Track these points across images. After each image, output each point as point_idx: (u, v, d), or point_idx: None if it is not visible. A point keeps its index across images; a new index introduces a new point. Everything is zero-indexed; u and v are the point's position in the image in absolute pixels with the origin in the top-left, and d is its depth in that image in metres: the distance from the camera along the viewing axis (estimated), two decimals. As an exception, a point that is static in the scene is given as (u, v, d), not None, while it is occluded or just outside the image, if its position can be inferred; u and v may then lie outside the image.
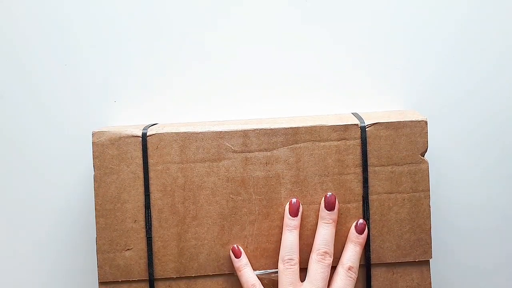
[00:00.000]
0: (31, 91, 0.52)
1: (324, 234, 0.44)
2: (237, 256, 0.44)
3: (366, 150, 0.45)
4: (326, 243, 0.43)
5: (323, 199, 0.45)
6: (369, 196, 0.45)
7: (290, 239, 0.43)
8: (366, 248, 0.45)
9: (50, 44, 0.52)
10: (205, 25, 0.53)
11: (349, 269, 0.43)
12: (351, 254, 0.44)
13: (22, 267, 0.53)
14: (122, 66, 0.53)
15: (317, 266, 0.43)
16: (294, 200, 0.45)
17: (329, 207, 0.44)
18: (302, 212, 0.45)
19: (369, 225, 0.45)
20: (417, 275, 0.45)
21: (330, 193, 0.45)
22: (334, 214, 0.44)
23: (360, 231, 0.44)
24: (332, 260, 0.43)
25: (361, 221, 0.44)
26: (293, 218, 0.44)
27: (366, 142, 0.45)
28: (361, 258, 0.45)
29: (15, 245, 0.53)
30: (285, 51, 0.53)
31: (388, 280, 0.45)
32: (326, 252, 0.43)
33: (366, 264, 0.45)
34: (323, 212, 0.44)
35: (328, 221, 0.44)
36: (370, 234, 0.45)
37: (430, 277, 0.45)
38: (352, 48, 0.53)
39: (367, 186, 0.45)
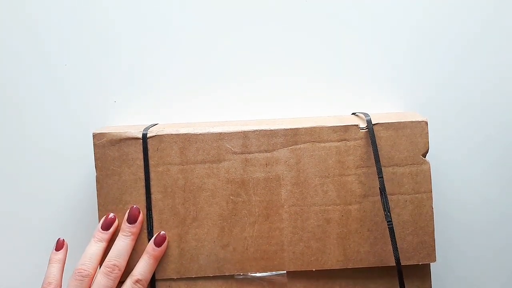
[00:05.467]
0: (31, 91, 0.55)
1: (119, 246, 0.46)
2: (58, 249, 0.47)
3: (375, 140, 0.47)
4: (118, 255, 0.45)
5: (127, 211, 0.47)
6: (371, 197, 0.48)
7: (90, 251, 0.45)
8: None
9: (50, 44, 0.55)
10: (205, 26, 0.55)
11: (136, 281, 0.45)
12: (142, 266, 0.46)
13: (23, 267, 0.56)
14: (122, 66, 0.55)
15: (102, 278, 0.44)
16: (111, 214, 0.47)
17: (131, 219, 0.47)
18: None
19: (389, 224, 0.46)
20: (417, 277, 0.48)
21: (136, 206, 0.47)
22: (134, 228, 0.47)
23: (158, 244, 0.46)
24: (121, 274, 0.45)
25: (162, 233, 0.47)
26: (103, 231, 0.47)
27: (373, 134, 0.47)
28: (364, 260, 0.47)
29: (17, 246, 0.56)
30: (285, 52, 0.55)
31: (389, 278, 0.48)
32: (115, 265, 0.45)
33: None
34: (124, 224, 0.47)
35: (127, 233, 0.46)
36: (373, 237, 0.48)
37: (430, 279, 0.48)
38: (353, 49, 0.55)
39: (382, 177, 0.46)
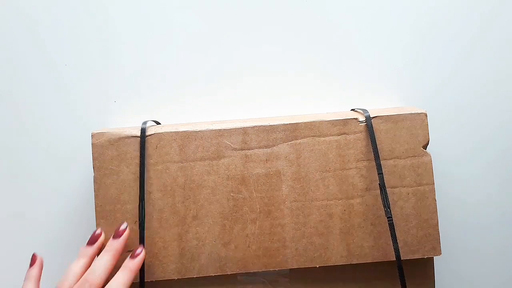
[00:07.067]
0: (31, 91, 0.56)
1: (96, 261, 0.45)
2: (32, 265, 0.46)
3: (374, 137, 0.47)
4: (94, 270, 0.44)
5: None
6: (373, 190, 0.48)
7: (70, 269, 0.45)
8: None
9: (50, 44, 0.56)
10: (205, 26, 0.56)
11: (86, 280, 0.44)
12: (114, 279, 0.44)
13: (22, 269, 0.54)
14: (122, 66, 0.56)
15: None
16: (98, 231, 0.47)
17: (115, 235, 0.47)
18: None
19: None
20: (420, 271, 0.48)
21: (124, 222, 0.47)
22: (116, 243, 0.46)
23: (133, 256, 0.46)
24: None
25: (139, 249, 0.46)
26: (87, 246, 0.46)
27: (372, 130, 0.47)
28: (368, 255, 0.47)
29: (15, 247, 0.56)
30: (284, 50, 0.56)
31: (391, 276, 0.48)
32: (86, 280, 0.44)
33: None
34: (110, 240, 0.47)
35: (108, 248, 0.46)
36: (376, 231, 0.48)
37: (433, 273, 0.48)
38: (352, 47, 0.56)
39: (382, 174, 0.46)
